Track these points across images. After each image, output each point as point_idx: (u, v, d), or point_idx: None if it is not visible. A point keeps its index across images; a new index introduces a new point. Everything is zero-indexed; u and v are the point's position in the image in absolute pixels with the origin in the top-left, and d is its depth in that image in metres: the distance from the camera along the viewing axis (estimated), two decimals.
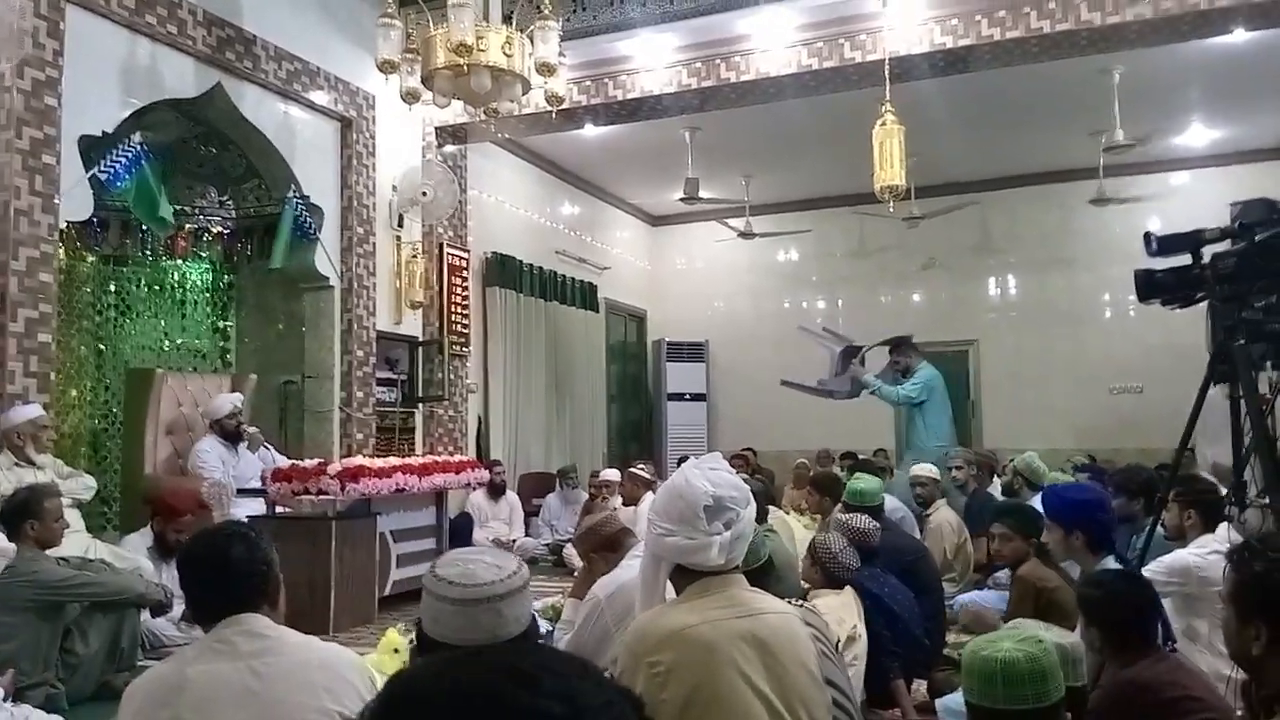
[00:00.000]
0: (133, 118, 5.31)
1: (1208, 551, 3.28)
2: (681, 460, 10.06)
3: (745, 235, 10.67)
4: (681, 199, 9.73)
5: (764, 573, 3.06)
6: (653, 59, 7.12)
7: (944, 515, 5.64)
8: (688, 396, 11.69)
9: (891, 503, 5.11)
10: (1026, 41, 6.31)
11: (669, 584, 2.03)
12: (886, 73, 6.28)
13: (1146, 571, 3.29)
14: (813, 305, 11.81)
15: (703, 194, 9.70)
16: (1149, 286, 3.31)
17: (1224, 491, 3.51)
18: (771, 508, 5.89)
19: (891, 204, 6.63)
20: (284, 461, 5.53)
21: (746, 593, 2.01)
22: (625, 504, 6.06)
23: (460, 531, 6.92)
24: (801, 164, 10.05)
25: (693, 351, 11.81)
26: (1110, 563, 3.15)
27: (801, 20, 6.63)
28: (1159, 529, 3.60)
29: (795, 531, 5.22)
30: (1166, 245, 3.28)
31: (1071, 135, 8.92)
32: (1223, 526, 3.33)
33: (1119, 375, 10.03)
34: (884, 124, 6.20)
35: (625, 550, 3.01)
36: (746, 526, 2.01)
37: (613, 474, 7.37)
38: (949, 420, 7.05)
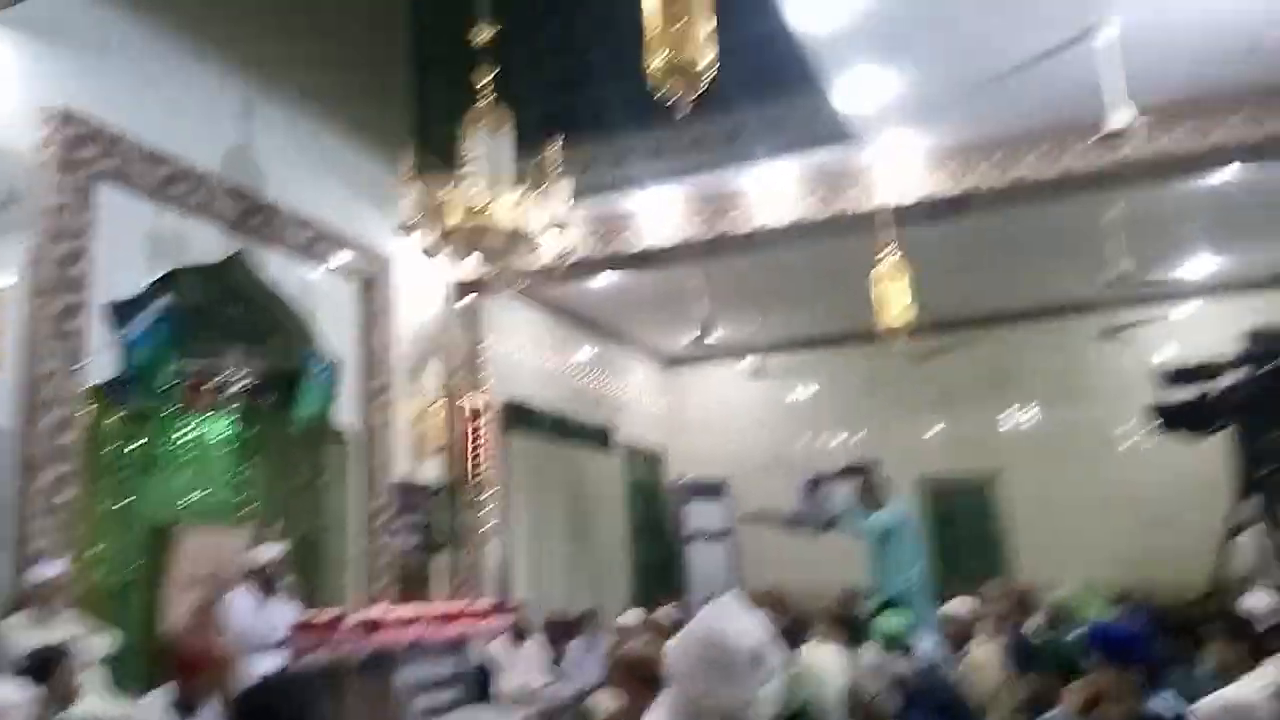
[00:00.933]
0: (160, 281, 5.55)
1: (1262, 685, 3.17)
2: (707, 599, 9.82)
3: (758, 375, 10.81)
4: (694, 340, 9.91)
5: None
6: (659, 213, 7.43)
7: (981, 655, 5.44)
8: (709, 535, 11.54)
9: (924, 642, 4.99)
10: (1023, 182, 6.49)
11: None
12: (880, 221, 6.51)
13: (1203, 709, 3.18)
14: (827, 443, 11.80)
15: (715, 335, 9.89)
16: (1169, 419, 3.33)
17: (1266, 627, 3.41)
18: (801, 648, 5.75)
19: (897, 344, 6.75)
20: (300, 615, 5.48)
21: None
22: None
23: (482, 680, 6.76)
24: (809, 306, 10.28)
25: (712, 489, 11.74)
26: (1165, 698, 3.04)
27: (799, 173, 6.92)
28: (1202, 666, 3.48)
29: (825, 670, 5.08)
30: (1181, 377, 3.31)
31: (1077, 268, 9.05)
32: (1272, 661, 3.23)
33: (1146, 505, 9.85)
34: (884, 269, 6.38)
35: (660, 690, 2.92)
36: (783, 674, 1.94)
37: (631, 618, 7.23)
38: (920, 560, 6.62)
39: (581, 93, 7.01)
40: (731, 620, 1.90)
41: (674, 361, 12.54)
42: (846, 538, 10.79)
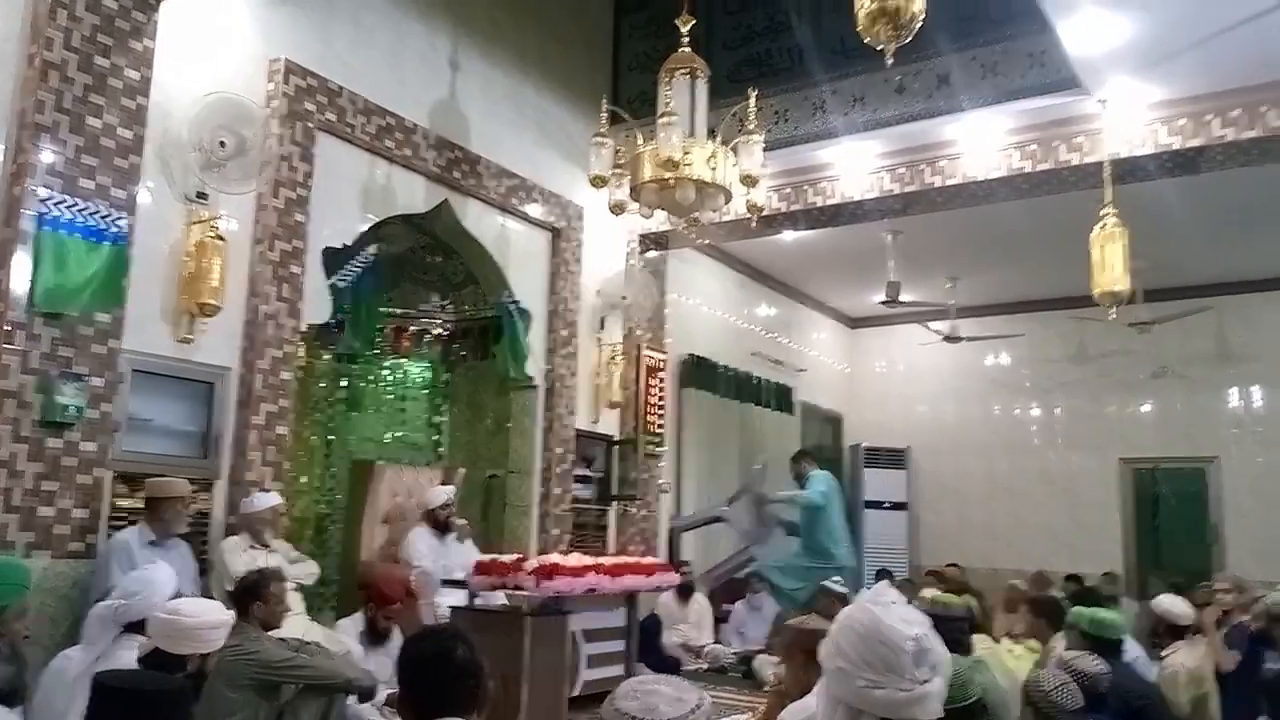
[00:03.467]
0: (369, 231, 5.83)
1: None
2: (880, 573, 9.64)
3: (951, 339, 10.28)
4: (882, 302, 9.54)
5: (973, 714, 2.80)
6: (854, 166, 7.12)
7: (1182, 658, 4.99)
8: (887, 505, 11.22)
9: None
10: (1264, 141, 5.82)
11: None
12: (1106, 176, 5.99)
13: None
14: (1026, 413, 11.16)
15: (905, 297, 9.48)
16: None
17: None
18: (981, 636, 5.48)
19: (1114, 311, 6.23)
20: (482, 555, 5.69)
21: None
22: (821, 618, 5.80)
23: (649, 633, 6.87)
24: (1013, 266, 9.66)
25: (893, 457, 11.38)
26: None
27: (1012, 124, 6.44)
28: None
29: (1006, 661, 4.80)
30: None
31: None
32: None
33: None
34: (1104, 227, 5.88)
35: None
36: (948, 669, 1.86)
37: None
38: (844, 526, 6.99)
39: (779, 39, 6.78)
40: (889, 609, 1.80)
41: (859, 323, 12.16)
42: (1045, 518, 10.35)
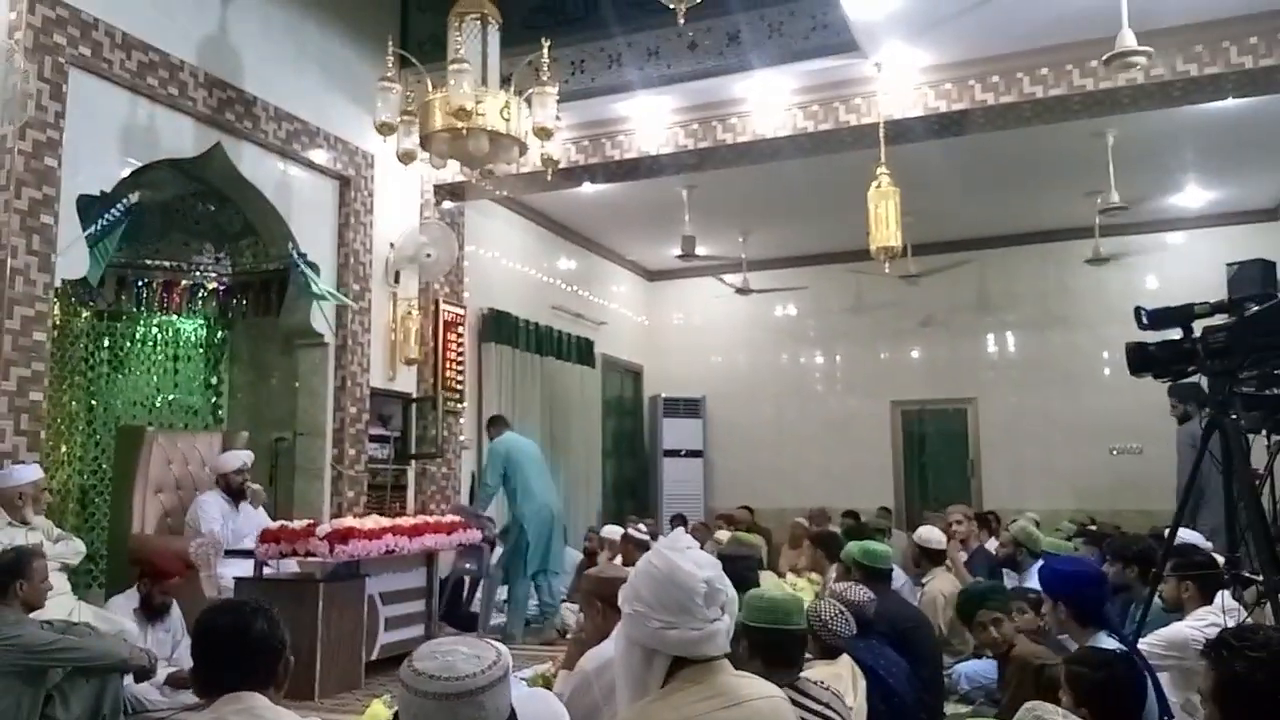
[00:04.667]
0: (131, 177, 5.33)
1: (1206, 624, 3.25)
2: (675, 518, 9.93)
3: (742, 291, 10.73)
4: (679, 255, 9.78)
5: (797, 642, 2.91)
6: (650, 120, 7.21)
7: (940, 585, 5.53)
8: (684, 453, 11.64)
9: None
10: (1020, 106, 6.37)
11: None
12: (881, 136, 6.37)
13: (1143, 644, 3.25)
14: (810, 360, 11.82)
15: (700, 250, 9.77)
16: (1141, 360, 3.31)
17: (1221, 562, 3.47)
18: (768, 572, 5.83)
19: (888, 264, 6.69)
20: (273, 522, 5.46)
21: (734, 679, 1.94)
22: (624, 566, 5.98)
23: (455, 591, 6.83)
24: (798, 221, 10.14)
25: (689, 407, 11.78)
26: (1103, 638, 3.10)
27: (797, 84, 6.72)
28: (1156, 600, 3.56)
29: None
30: (1157, 319, 3.28)
31: (1068, 195, 9.01)
32: (1220, 597, 3.29)
33: (1119, 435, 9.95)
34: (879, 186, 6.27)
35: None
36: (735, 607, 1.98)
37: (614, 531, 7.29)
38: (544, 490, 6.90)
39: None
40: (684, 555, 1.91)
41: (657, 276, 12.42)
42: (825, 460, 11.04)
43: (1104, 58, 5.01)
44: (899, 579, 5.39)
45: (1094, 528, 8.09)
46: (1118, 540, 5.33)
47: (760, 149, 7.17)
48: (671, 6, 4.43)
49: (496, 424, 7.26)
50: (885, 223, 6.23)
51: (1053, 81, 6.20)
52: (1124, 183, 8.03)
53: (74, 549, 4.66)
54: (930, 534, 5.89)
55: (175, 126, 5.59)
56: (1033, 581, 4.54)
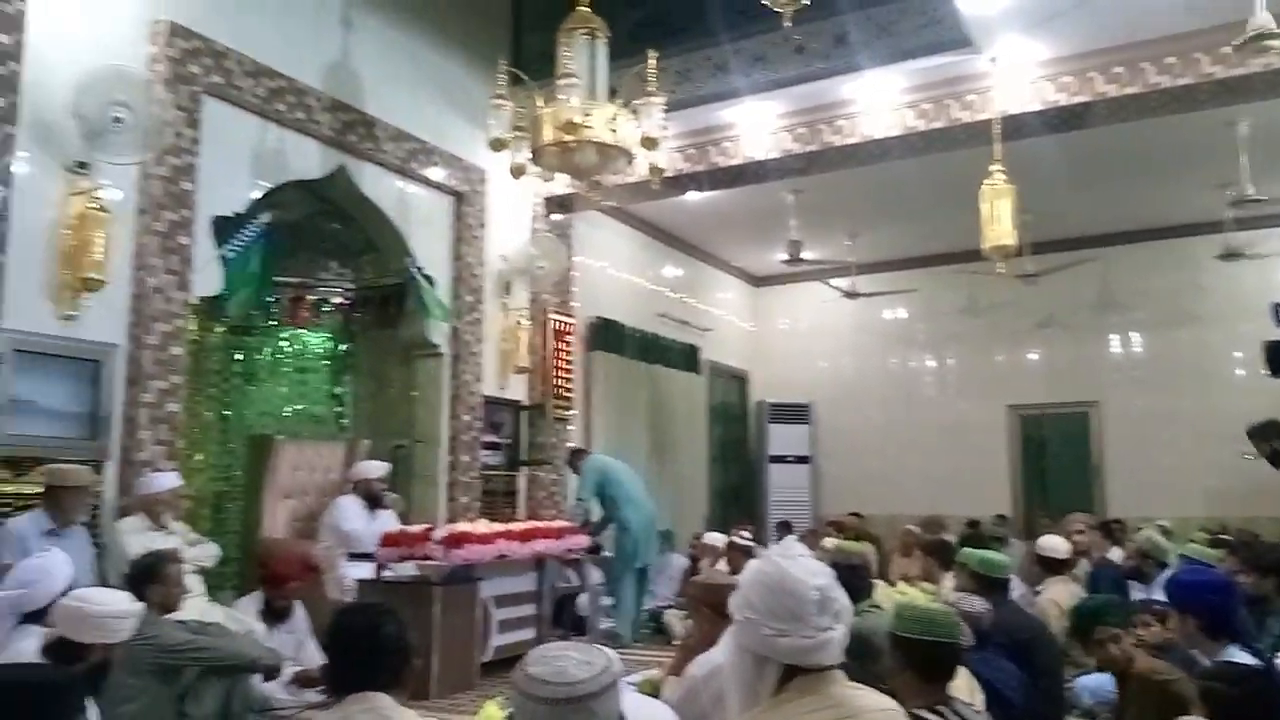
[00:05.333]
0: (262, 198, 5.63)
1: None
2: (781, 525, 9.82)
3: (850, 295, 10.55)
4: (784, 260, 9.70)
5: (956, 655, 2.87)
6: (756, 125, 7.19)
7: (1054, 593, 5.28)
8: (791, 459, 11.52)
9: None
10: (1145, 97, 6.10)
11: None
12: (996, 133, 6.19)
13: None
14: (921, 364, 11.55)
15: (806, 255, 9.65)
16: (1275, 361, 3.12)
17: None
18: (878, 581, 5.71)
19: (1003, 264, 6.48)
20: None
21: (849, 690, 1.91)
22: (731, 574, 5.94)
23: (566, 598, 6.92)
24: (907, 222, 9.93)
25: (796, 413, 11.66)
26: (1235, 652, 2.93)
27: (906, 83, 6.59)
28: None
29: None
30: None
31: (1197, 188, 8.57)
32: None
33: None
34: (993, 184, 6.09)
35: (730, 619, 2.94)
36: (849, 616, 1.95)
37: (717, 538, 7.28)
38: (642, 496, 6.94)
39: None
40: (796, 562, 1.90)
41: (763, 281, 12.34)
42: (936, 466, 10.76)
43: (1237, 42, 4.74)
44: (1016, 588, 5.20)
45: (1227, 536, 7.64)
46: (1254, 548, 5.02)
47: (869, 150, 7.06)
48: (778, 11, 4.40)
49: (579, 454, 7.43)
50: (1000, 221, 6.04)
51: (1180, 70, 5.91)
52: (1257, 173, 7.57)
53: (209, 552, 4.91)
54: (1053, 543, 5.65)
55: (302, 149, 5.88)
56: (1161, 594, 4.32)
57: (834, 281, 10.71)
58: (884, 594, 4.81)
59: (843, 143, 6.98)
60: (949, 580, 5.14)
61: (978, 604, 3.59)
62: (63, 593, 2.94)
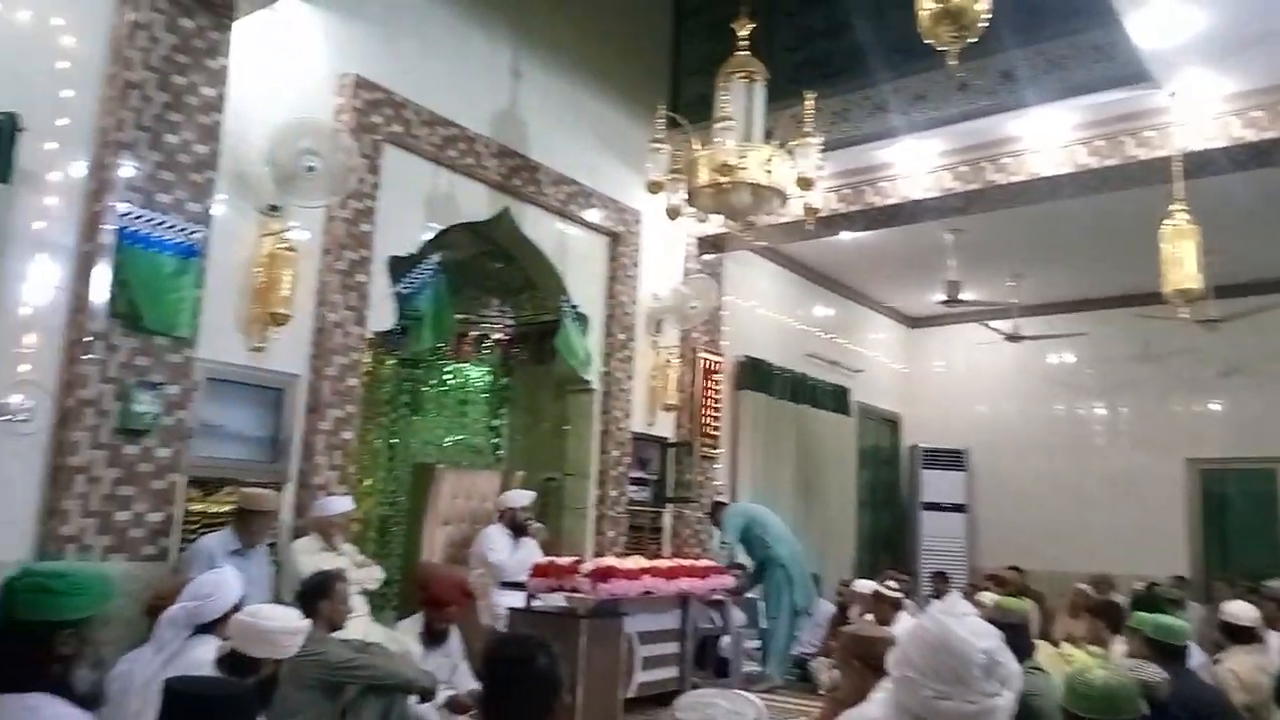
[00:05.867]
0: (433, 239, 5.93)
1: None
2: (936, 575, 9.48)
3: (1012, 338, 10.12)
4: (942, 301, 9.43)
5: None
6: (914, 164, 7.06)
7: (1235, 663, 4.83)
8: (946, 506, 11.09)
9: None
10: None
11: None
12: (1177, 170, 5.85)
13: None
14: (1089, 412, 10.94)
15: (965, 296, 9.36)
16: None
17: None
18: (1041, 642, 5.40)
19: (1185, 309, 6.08)
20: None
21: None
22: (878, 624, 5.76)
23: (709, 639, 6.87)
24: (1076, 264, 9.48)
25: (951, 459, 11.23)
26: None
27: (1078, 119, 6.32)
28: None
29: (1065, 667, 4.71)
30: None
31: None
32: None
33: None
34: (1175, 224, 5.75)
35: (882, 674, 2.85)
36: (1018, 683, 1.86)
37: (866, 585, 7.07)
38: (790, 536, 7.29)
39: (839, 40, 6.71)
40: (961, 621, 1.83)
41: (918, 322, 12.02)
42: (1106, 520, 10.14)
43: None
44: (1195, 656, 4.81)
45: None
46: None
47: (1036, 188, 6.79)
48: (942, 50, 4.32)
49: (719, 508, 7.52)
50: (1183, 263, 5.68)
51: None
52: None
53: (374, 575, 5.14)
54: (1241, 610, 5.19)
55: (471, 192, 6.17)
56: None
57: (994, 324, 10.30)
58: (1046, 655, 4.56)
59: (1007, 181, 6.74)
60: (1119, 645, 4.82)
61: (1155, 673, 3.35)
62: (235, 607, 3.09)
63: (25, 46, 4.09)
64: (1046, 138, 6.52)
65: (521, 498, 6.00)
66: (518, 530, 5.92)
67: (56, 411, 4.09)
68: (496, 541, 5.79)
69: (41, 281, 4.10)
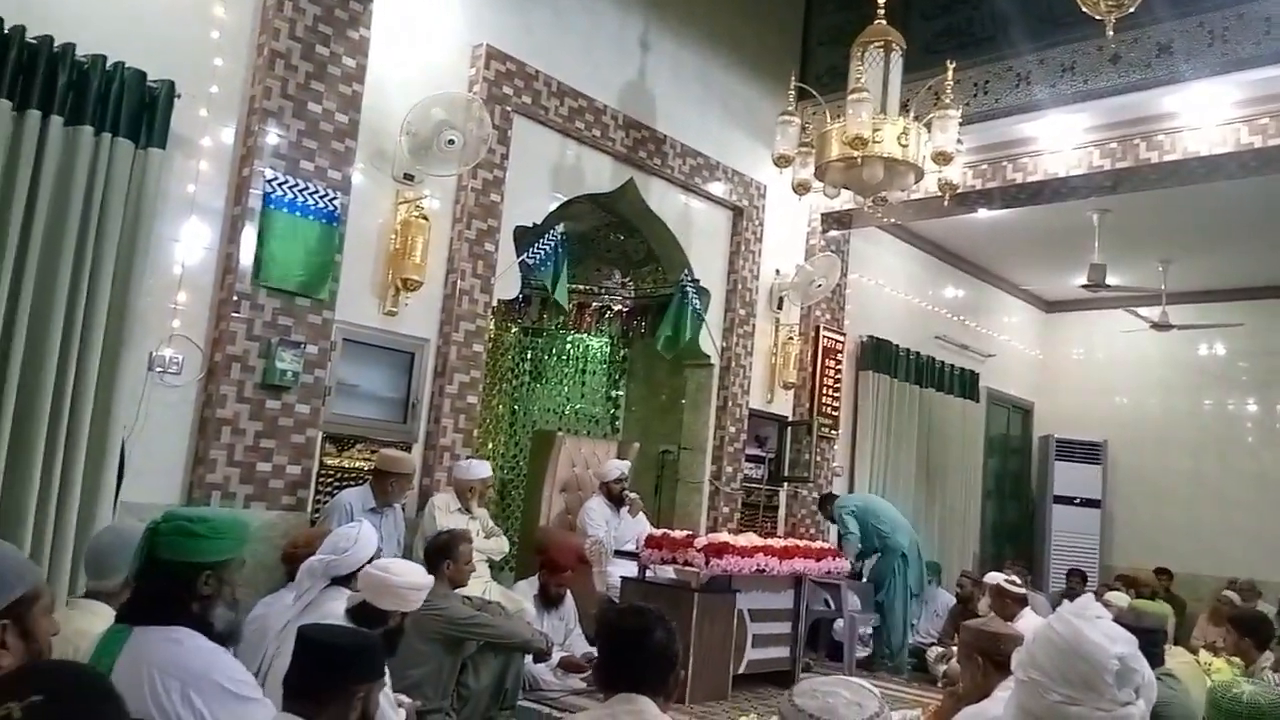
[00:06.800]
0: (557, 210, 6.00)
1: None
2: (1071, 573, 9.11)
3: (1160, 326, 9.54)
4: (1084, 285, 8.97)
5: None
6: (1060, 140, 6.70)
7: None
8: (1078, 501, 10.61)
9: None
10: None
11: None
12: None
13: None
14: (1241, 408, 10.25)
15: (1110, 280, 8.87)
16: None
17: None
18: (1177, 648, 5.12)
19: None
20: (653, 529, 5.78)
21: None
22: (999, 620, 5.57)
23: (821, 621, 6.80)
24: (1234, 249, 8.87)
25: (1088, 451, 10.72)
26: None
27: (1241, 95, 5.87)
28: None
29: (1208, 680, 4.45)
30: None
31: None
32: None
33: None
34: None
35: (1007, 673, 2.76)
36: (1153, 693, 1.76)
37: (996, 578, 6.84)
38: (906, 522, 7.22)
39: (981, 7, 6.44)
40: (1092, 624, 1.74)
41: (1056, 307, 11.48)
42: (1255, 520, 9.53)
43: None
44: None
45: None
46: None
47: (1192, 168, 6.36)
48: (1098, 18, 4.08)
49: (828, 500, 7.46)
50: None
51: None
52: None
53: (500, 546, 5.26)
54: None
55: (596, 165, 6.21)
56: None
57: (1141, 311, 9.74)
58: (1179, 662, 4.31)
59: (1160, 159, 6.33)
60: (1266, 659, 4.53)
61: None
62: (368, 561, 3.23)
63: (181, 16, 4.31)
64: (1205, 114, 6.09)
65: (615, 469, 6.01)
66: (616, 501, 5.97)
67: (205, 366, 4.35)
68: (595, 515, 5.84)
69: (193, 243, 4.35)
